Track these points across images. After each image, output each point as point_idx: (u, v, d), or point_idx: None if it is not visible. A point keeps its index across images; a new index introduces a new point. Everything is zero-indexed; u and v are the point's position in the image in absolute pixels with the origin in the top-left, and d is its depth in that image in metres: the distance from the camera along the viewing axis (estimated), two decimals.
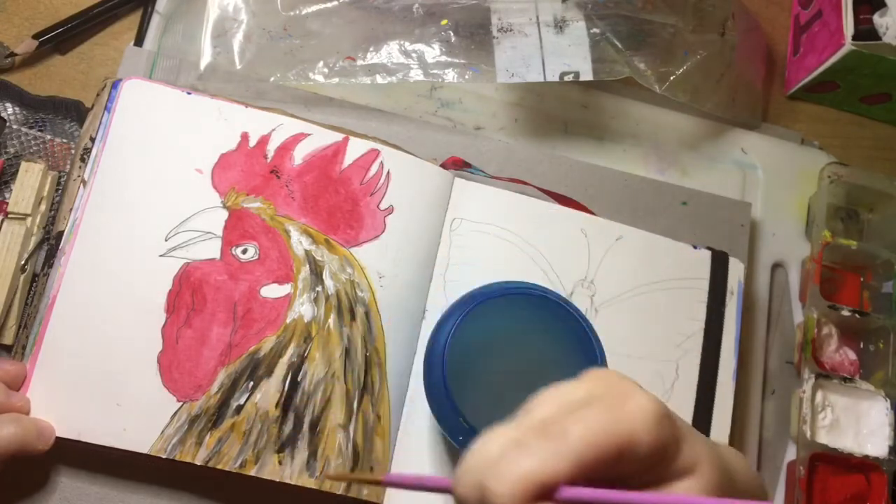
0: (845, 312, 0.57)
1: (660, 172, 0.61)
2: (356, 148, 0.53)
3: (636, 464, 0.28)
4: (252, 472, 0.46)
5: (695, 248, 0.56)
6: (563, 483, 0.27)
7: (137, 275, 0.48)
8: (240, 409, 0.47)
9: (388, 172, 0.53)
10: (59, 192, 0.53)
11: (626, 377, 0.30)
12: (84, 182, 0.50)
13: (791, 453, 0.56)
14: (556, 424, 0.28)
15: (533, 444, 0.27)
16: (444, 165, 0.55)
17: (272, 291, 0.49)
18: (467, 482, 0.28)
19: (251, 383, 0.48)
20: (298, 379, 0.48)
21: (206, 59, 0.55)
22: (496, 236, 0.54)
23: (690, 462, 0.29)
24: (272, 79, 0.55)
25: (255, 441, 0.47)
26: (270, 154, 0.52)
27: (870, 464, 0.54)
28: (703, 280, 0.55)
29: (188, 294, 0.48)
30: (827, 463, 0.55)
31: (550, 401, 0.30)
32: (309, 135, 0.52)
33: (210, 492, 0.49)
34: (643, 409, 0.28)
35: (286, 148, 0.52)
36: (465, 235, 0.54)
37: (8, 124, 0.54)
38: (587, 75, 0.54)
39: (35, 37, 0.56)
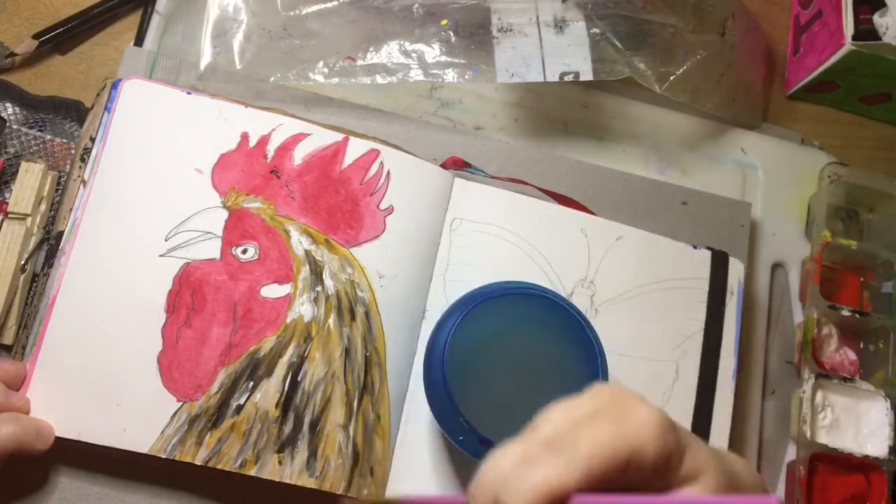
0: (845, 312, 0.57)
1: (660, 172, 0.61)
2: (356, 148, 0.53)
3: (642, 472, 0.29)
4: (252, 472, 0.46)
5: (695, 248, 0.56)
6: (575, 492, 0.28)
7: (137, 275, 0.48)
8: (240, 409, 0.47)
9: (388, 172, 0.53)
10: (59, 192, 0.53)
11: (628, 390, 0.31)
12: (84, 182, 0.50)
13: (791, 453, 0.56)
14: (564, 437, 0.29)
15: (543, 457, 0.29)
16: (444, 165, 0.55)
17: (272, 291, 0.49)
18: (481, 497, 0.30)
19: (251, 383, 0.48)
20: (298, 379, 0.48)
21: (206, 59, 0.55)
22: (496, 236, 0.54)
23: (694, 469, 0.30)
24: (272, 79, 0.55)
25: (255, 441, 0.47)
26: (270, 154, 0.52)
27: (870, 464, 0.54)
28: (703, 280, 0.55)
29: (188, 294, 0.48)
30: (827, 463, 0.55)
31: (557, 416, 0.31)
32: (309, 135, 0.52)
33: (210, 492, 0.49)
34: (647, 420, 0.29)
35: (286, 148, 0.52)
36: (465, 235, 0.54)
37: (8, 124, 0.54)
38: (587, 75, 0.54)
39: (35, 37, 0.56)
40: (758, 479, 0.35)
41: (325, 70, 0.55)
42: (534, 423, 0.31)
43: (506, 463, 0.30)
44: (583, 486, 0.28)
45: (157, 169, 0.50)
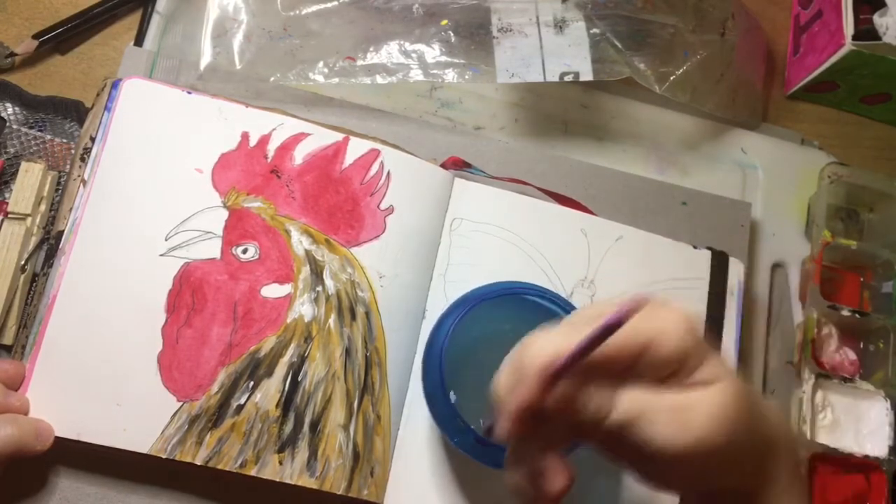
0: (845, 312, 0.57)
1: (660, 172, 0.61)
2: (356, 148, 0.53)
3: (657, 364, 0.31)
4: (252, 472, 0.46)
5: (695, 248, 0.56)
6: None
7: (137, 274, 0.48)
8: (240, 408, 0.47)
9: (389, 172, 0.53)
10: (59, 192, 0.53)
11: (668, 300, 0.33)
12: (84, 182, 0.49)
13: None
14: (589, 318, 0.31)
15: (563, 329, 0.32)
16: (444, 165, 0.55)
17: (272, 291, 0.49)
18: (513, 359, 0.33)
19: (251, 383, 0.48)
20: (299, 379, 0.48)
21: (206, 59, 0.55)
22: (496, 236, 0.54)
23: (712, 376, 0.31)
24: (272, 79, 0.55)
25: (256, 441, 0.47)
26: (271, 154, 0.52)
27: (870, 464, 0.54)
28: (703, 280, 0.55)
29: (188, 294, 0.48)
30: (827, 463, 0.55)
31: (590, 308, 0.34)
32: (309, 135, 0.52)
33: (210, 492, 0.49)
34: (673, 316, 0.31)
35: (286, 148, 0.52)
36: (465, 235, 0.54)
37: (8, 124, 0.54)
38: (587, 75, 0.54)
39: (35, 37, 0.56)
40: (780, 414, 0.36)
41: (325, 70, 0.55)
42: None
43: (535, 335, 0.32)
44: (586, 356, 0.30)
45: (157, 168, 0.50)
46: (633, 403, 0.31)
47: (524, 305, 0.46)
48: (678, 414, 0.30)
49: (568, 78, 0.54)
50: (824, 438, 0.55)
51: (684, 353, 0.31)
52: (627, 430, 0.31)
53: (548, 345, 0.31)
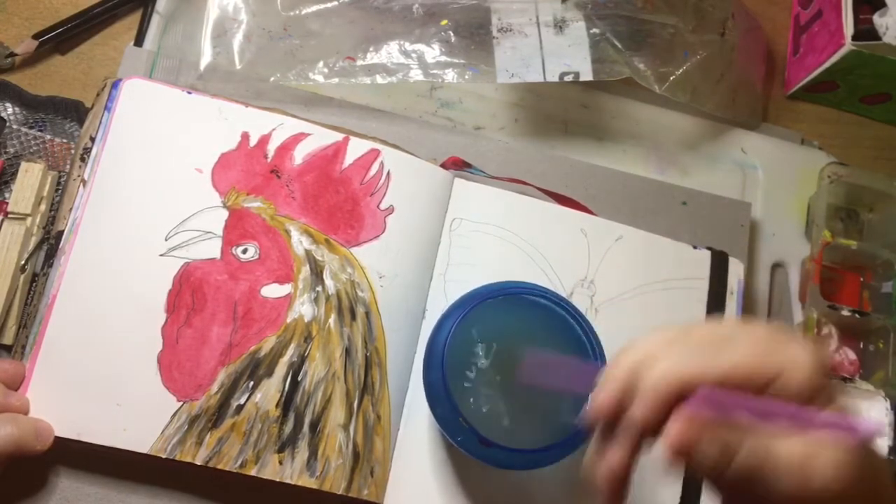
0: (845, 312, 0.57)
1: (660, 172, 0.61)
2: (356, 148, 0.53)
3: (783, 397, 0.30)
4: (252, 472, 0.46)
5: (695, 248, 0.56)
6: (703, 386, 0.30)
7: (137, 274, 0.48)
8: (240, 408, 0.47)
9: (389, 172, 0.53)
10: (59, 192, 0.53)
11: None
12: (84, 182, 0.49)
13: None
14: (719, 340, 0.31)
15: (694, 349, 0.31)
16: (444, 165, 0.55)
17: (272, 291, 0.49)
18: (623, 363, 0.32)
19: (251, 383, 0.48)
20: (299, 379, 0.48)
21: (206, 59, 0.55)
22: (496, 236, 0.54)
23: None
24: (272, 79, 0.55)
25: (256, 441, 0.47)
26: (271, 154, 0.52)
27: None
28: (703, 280, 0.55)
29: (188, 294, 0.48)
30: None
31: (715, 325, 0.33)
32: (309, 135, 0.52)
33: (210, 492, 0.49)
34: (806, 351, 0.31)
35: (286, 147, 0.52)
36: (465, 235, 0.54)
37: (8, 124, 0.54)
38: (587, 75, 0.54)
39: (35, 37, 0.56)
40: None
41: (325, 70, 0.55)
42: (689, 325, 0.33)
43: (656, 342, 0.31)
44: (718, 385, 0.30)
45: (157, 168, 0.50)
46: (754, 452, 0.30)
47: (525, 305, 0.46)
48: (802, 464, 0.29)
49: (568, 78, 0.54)
50: None
51: (813, 390, 0.30)
52: (745, 479, 0.30)
53: (676, 369, 0.30)
